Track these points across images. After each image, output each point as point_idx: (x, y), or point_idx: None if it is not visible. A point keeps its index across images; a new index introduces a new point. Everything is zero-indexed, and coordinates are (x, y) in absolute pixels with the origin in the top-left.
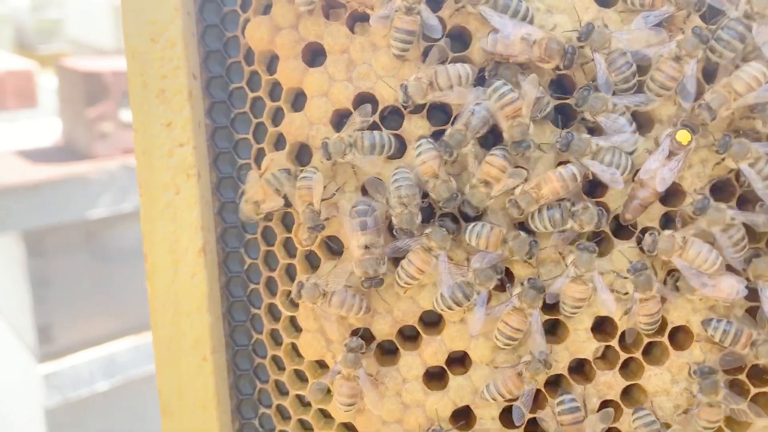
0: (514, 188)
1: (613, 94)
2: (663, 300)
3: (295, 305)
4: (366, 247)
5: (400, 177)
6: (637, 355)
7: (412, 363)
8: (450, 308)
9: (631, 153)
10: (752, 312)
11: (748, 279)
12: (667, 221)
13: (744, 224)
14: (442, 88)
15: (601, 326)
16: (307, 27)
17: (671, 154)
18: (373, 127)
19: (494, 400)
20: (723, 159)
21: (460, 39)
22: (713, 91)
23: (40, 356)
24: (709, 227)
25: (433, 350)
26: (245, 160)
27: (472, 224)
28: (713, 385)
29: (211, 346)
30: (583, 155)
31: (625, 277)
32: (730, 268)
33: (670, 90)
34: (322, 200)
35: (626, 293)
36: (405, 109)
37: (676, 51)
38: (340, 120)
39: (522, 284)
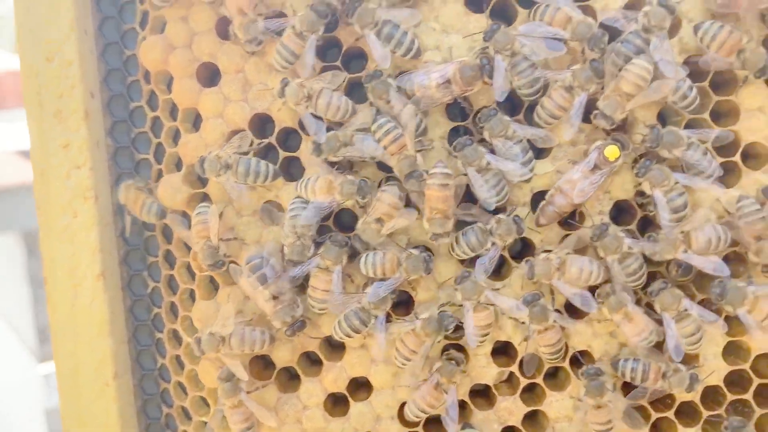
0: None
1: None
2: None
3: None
4: (274, 297)
5: (296, 207)
6: (539, 380)
7: (313, 390)
8: (348, 335)
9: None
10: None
11: (650, 306)
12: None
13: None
14: (318, 108)
15: (506, 350)
16: (201, 47)
17: (596, 168)
18: (269, 148)
19: (418, 418)
20: (640, 182)
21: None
22: (604, 97)
23: (40, 356)
24: (605, 255)
25: (334, 377)
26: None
27: (365, 254)
28: (599, 387)
29: (113, 371)
30: (471, 164)
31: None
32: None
33: (558, 119)
34: (223, 239)
35: (524, 321)
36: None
37: (569, 80)
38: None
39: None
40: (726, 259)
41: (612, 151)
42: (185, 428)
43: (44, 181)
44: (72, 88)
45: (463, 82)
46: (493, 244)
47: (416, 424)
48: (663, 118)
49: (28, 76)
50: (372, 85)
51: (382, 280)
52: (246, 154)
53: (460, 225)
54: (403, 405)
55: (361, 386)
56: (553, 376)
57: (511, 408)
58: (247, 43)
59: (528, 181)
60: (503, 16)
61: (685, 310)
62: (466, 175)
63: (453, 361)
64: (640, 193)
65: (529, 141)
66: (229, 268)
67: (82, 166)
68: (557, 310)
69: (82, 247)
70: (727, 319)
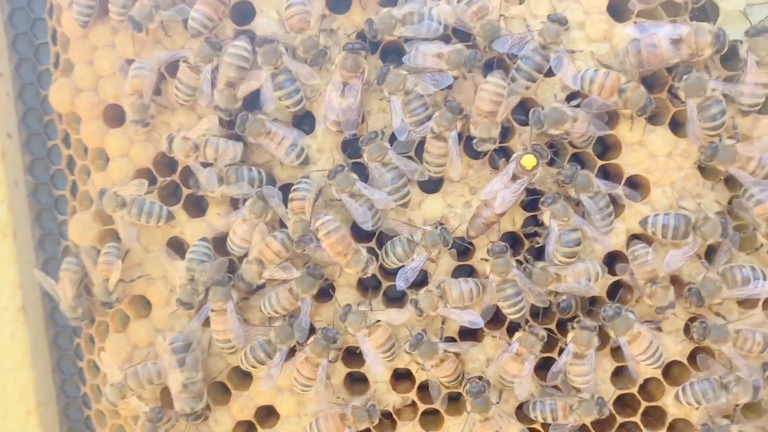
0: None
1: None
2: (458, 354)
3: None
4: (184, 385)
5: (197, 250)
6: (437, 405)
7: (221, 418)
8: (254, 366)
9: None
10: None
11: (602, 329)
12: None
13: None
14: (207, 157)
15: (410, 375)
16: (106, 89)
17: (515, 177)
18: (173, 186)
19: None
20: (566, 189)
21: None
22: (473, 123)
23: None
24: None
25: (240, 405)
26: (64, 217)
27: (264, 299)
28: (484, 403)
29: (36, 401)
30: (343, 191)
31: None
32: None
33: (444, 165)
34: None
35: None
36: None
37: (434, 129)
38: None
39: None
40: (619, 285)
41: (529, 160)
42: None
43: None
44: None
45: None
46: (419, 254)
47: None
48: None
49: None
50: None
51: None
52: (151, 192)
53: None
54: None
55: (272, 413)
56: (454, 399)
57: None
58: (132, 123)
59: (405, 206)
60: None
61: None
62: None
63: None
64: (537, 224)
65: None
66: (156, 341)
67: (0, 204)
68: (452, 338)
69: (2, 283)
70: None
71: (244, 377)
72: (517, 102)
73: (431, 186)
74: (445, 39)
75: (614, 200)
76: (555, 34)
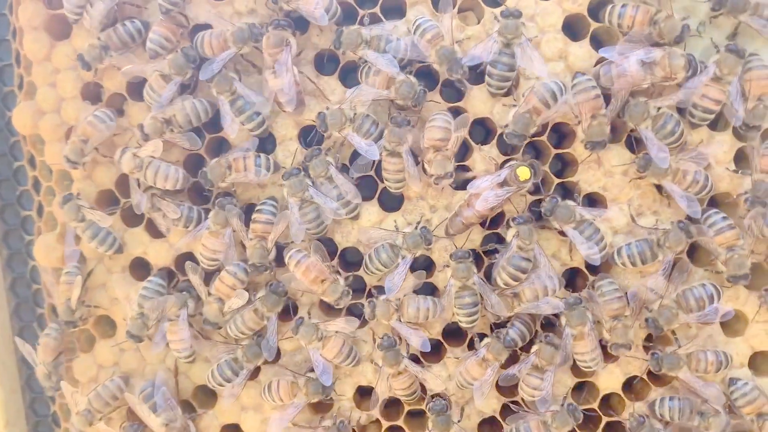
0: None
1: None
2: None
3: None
4: (166, 424)
5: (149, 286)
6: (400, 422)
7: None
8: (221, 384)
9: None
10: None
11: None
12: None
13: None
14: (147, 178)
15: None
16: (68, 112)
17: (504, 183)
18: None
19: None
20: (549, 219)
21: None
22: (427, 160)
23: None
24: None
25: (206, 424)
26: (31, 237)
27: (232, 318)
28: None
29: (5, 420)
30: (294, 195)
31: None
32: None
33: (403, 180)
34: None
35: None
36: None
37: (386, 146)
38: (108, 200)
39: None
40: None
41: (524, 172)
42: None
43: None
44: None
45: None
46: (403, 257)
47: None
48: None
49: None
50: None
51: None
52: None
53: None
54: None
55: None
56: (417, 416)
57: None
58: (65, 160)
59: (354, 219)
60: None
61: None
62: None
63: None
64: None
65: None
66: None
67: None
68: (416, 357)
69: None
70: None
71: (209, 395)
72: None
73: (395, 204)
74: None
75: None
76: (514, 28)
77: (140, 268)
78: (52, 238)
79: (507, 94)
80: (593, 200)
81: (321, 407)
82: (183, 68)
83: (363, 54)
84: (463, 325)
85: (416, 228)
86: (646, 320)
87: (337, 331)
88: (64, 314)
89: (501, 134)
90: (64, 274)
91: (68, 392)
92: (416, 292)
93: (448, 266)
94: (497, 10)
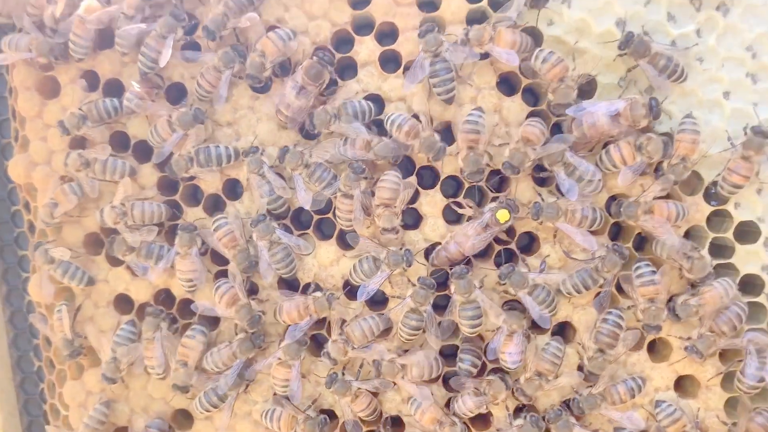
0: None
1: None
2: (376, 393)
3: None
4: None
5: (122, 333)
6: None
7: None
8: (207, 410)
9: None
10: None
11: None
12: None
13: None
14: (135, 219)
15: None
16: (58, 163)
17: (488, 226)
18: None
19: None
20: (504, 284)
21: None
22: (377, 215)
23: None
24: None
25: None
26: (27, 274)
27: (206, 356)
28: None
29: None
30: (263, 238)
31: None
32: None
33: (350, 220)
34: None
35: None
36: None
37: (342, 188)
38: (94, 243)
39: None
40: None
41: (503, 215)
42: None
43: None
44: None
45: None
46: (382, 271)
47: None
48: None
49: None
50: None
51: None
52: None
53: None
54: None
55: None
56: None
57: None
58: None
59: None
60: None
61: None
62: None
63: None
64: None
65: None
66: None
67: None
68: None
69: None
70: None
71: (187, 417)
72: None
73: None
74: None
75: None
76: (434, 41)
77: (124, 302)
78: (45, 277)
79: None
80: (532, 237)
81: None
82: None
83: (335, 128)
84: (466, 332)
85: (401, 249)
86: (573, 400)
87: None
88: (63, 348)
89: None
90: (55, 312)
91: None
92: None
93: (399, 297)
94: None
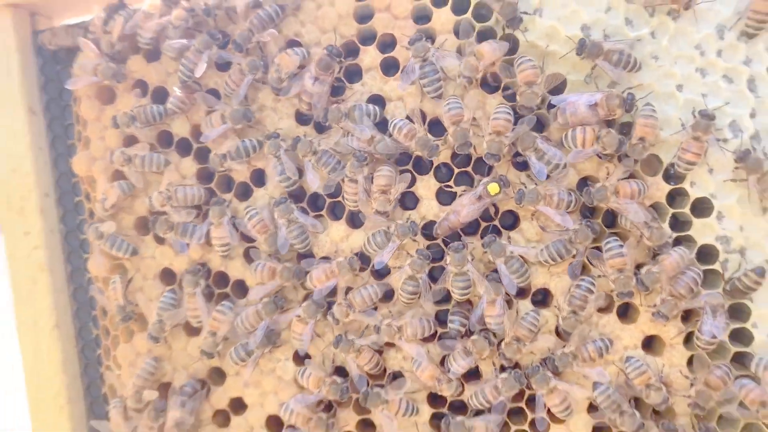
0: None
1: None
2: (380, 351)
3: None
4: (177, 423)
5: (164, 300)
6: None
7: (203, 408)
8: (237, 363)
9: None
10: None
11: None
12: None
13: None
14: (179, 202)
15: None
16: (114, 158)
17: (480, 198)
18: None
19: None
20: (485, 252)
21: None
22: (373, 198)
23: None
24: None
25: (217, 398)
26: (87, 255)
27: (239, 314)
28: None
29: (67, 397)
30: (282, 217)
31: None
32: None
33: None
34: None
35: None
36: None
37: (348, 173)
38: (143, 225)
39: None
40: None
41: (493, 188)
42: None
43: (13, 259)
44: (30, 191)
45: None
46: (393, 242)
47: None
48: None
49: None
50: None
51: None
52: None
53: None
54: (269, 417)
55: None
56: None
57: None
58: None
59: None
60: None
61: None
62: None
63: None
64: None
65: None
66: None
67: (39, 247)
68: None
69: (42, 307)
70: None
71: (220, 375)
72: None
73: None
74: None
75: None
76: (423, 48)
77: (168, 275)
78: (102, 255)
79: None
80: (515, 216)
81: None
82: (238, 120)
83: (344, 125)
84: (457, 299)
85: (407, 221)
86: (549, 359)
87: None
88: (118, 313)
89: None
90: (111, 283)
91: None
92: None
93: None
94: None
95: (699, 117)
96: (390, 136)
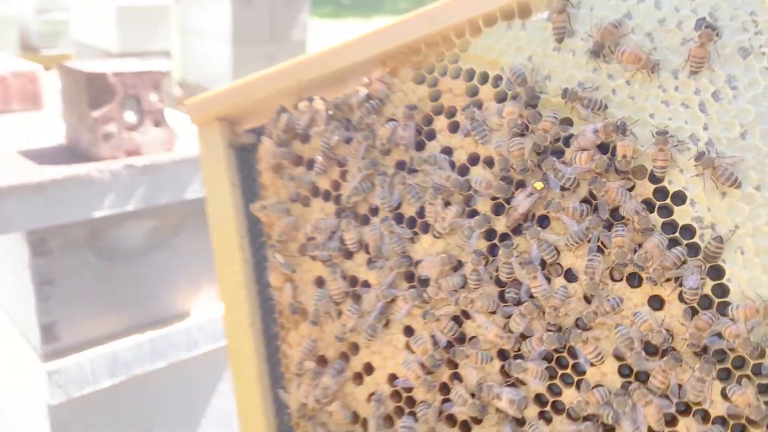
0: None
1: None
2: (459, 322)
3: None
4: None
5: (318, 295)
6: None
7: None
8: (367, 339)
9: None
10: None
11: None
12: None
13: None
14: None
15: None
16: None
17: (531, 194)
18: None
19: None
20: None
21: None
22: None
23: (44, 355)
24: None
25: (355, 362)
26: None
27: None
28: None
29: (259, 376)
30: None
31: None
32: None
33: None
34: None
35: None
36: None
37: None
38: (302, 247)
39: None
40: None
41: (538, 185)
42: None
43: (223, 280)
44: (232, 235)
45: None
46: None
47: None
48: None
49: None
50: None
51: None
52: None
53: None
54: (389, 375)
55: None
56: None
57: None
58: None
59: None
60: None
61: None
62: None
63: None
64: None
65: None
66: None
67: (238, 272)
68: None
69: (241, 311)
70: None
71: (357, 348)
72: None
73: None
74: None
75: None
76: (471, 112)
77: (319, 281)
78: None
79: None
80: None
81: None
82: (369, 166)
83: (425, 167)
84: (503, 279)
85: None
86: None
87: None
88: (289, 309)
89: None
90: (283, 289)
91: None
92: None
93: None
94: (461, 111)
95: (657, 135)
96: (476, 191)
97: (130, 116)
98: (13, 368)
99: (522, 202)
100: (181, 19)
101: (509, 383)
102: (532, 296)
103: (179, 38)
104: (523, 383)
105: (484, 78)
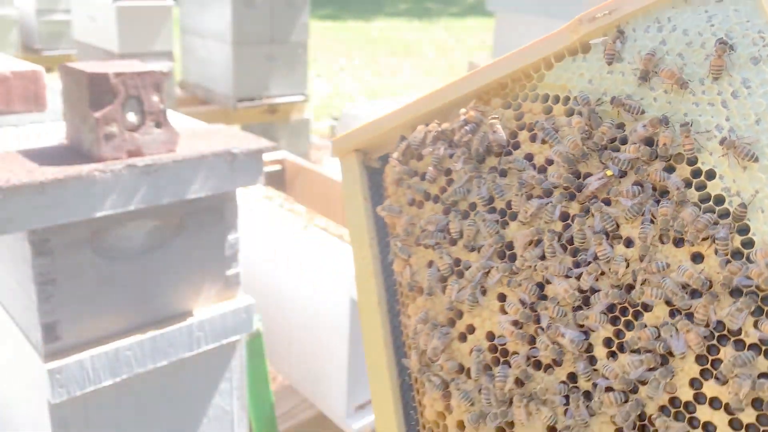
0: None
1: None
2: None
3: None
4: (433, 348)
5: (429, 274)
6: None
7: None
8: (470, 306)
9: None
10: None
11: None
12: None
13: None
14: None
15: None
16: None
17: (602, 176)
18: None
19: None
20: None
21: None
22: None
23: (46, 354)
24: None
25: (460, 325)
26: (392, 261)
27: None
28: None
29: (384, 345)
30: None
31: None
32: None
33: None
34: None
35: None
36: None
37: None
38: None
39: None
40: None
41: (608, 172)
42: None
43: (359, 268)
44: (363, 236)
45: None
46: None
47: None
48: None
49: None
50: None
51: None
52: None
53: None
54: (487, 333)
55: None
56: None
57: None
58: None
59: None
60: None
61: None
62: None
63: None
64: None
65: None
66: None
67: (369, 264)
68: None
69: (372, 293)
70: None
71: (461, 313)
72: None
73: None
74: None
75: None
76: (541, 124)
77: (431, 263)
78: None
79: (555, 141)
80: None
81: None
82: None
83: (511, 166)
84: (577, 245)
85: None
86: None
87: None
88: (407, 287)
89: None
90: (403, 271)
91: None
92: None
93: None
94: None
95: (681, 127)
96: (552, 184)
97: (131, 117)
98: (14, 367)
99: (593, 182)
100: (181, 19)
101: (582, 330)
102: (597, 258)
103: (180, 38)
104: (592, 330)
105: (556, 99)
